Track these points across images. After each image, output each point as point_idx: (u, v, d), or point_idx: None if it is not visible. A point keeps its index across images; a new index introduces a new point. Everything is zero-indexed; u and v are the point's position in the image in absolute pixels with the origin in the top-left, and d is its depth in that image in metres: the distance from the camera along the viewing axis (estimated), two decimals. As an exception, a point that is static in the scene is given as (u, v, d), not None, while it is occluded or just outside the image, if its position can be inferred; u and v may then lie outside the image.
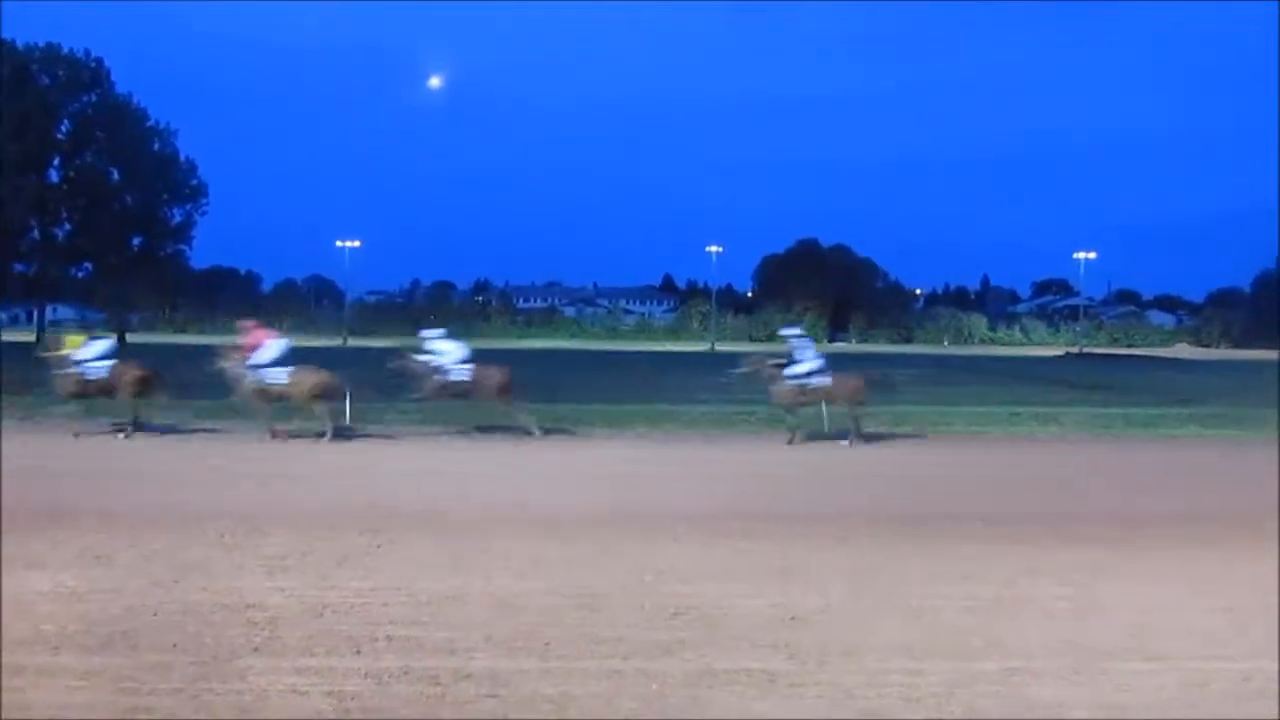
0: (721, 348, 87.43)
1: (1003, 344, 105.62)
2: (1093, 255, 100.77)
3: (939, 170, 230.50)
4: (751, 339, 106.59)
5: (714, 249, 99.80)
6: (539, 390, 21.34)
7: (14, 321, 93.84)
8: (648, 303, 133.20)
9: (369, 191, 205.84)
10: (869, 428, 17.22)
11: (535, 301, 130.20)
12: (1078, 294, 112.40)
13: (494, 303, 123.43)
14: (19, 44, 66.00)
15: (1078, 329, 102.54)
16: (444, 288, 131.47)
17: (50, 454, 13.79)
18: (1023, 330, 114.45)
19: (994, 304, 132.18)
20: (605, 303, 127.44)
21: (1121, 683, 5.41)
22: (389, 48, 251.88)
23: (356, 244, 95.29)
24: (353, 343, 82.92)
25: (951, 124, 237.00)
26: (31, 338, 58.34)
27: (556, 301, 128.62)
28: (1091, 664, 5.67)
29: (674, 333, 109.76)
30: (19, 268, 71.43)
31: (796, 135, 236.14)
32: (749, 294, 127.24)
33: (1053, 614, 6.67)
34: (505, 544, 8.49)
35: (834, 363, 18.17)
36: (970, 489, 12.29)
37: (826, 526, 9.49)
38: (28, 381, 19.31)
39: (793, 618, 6.46)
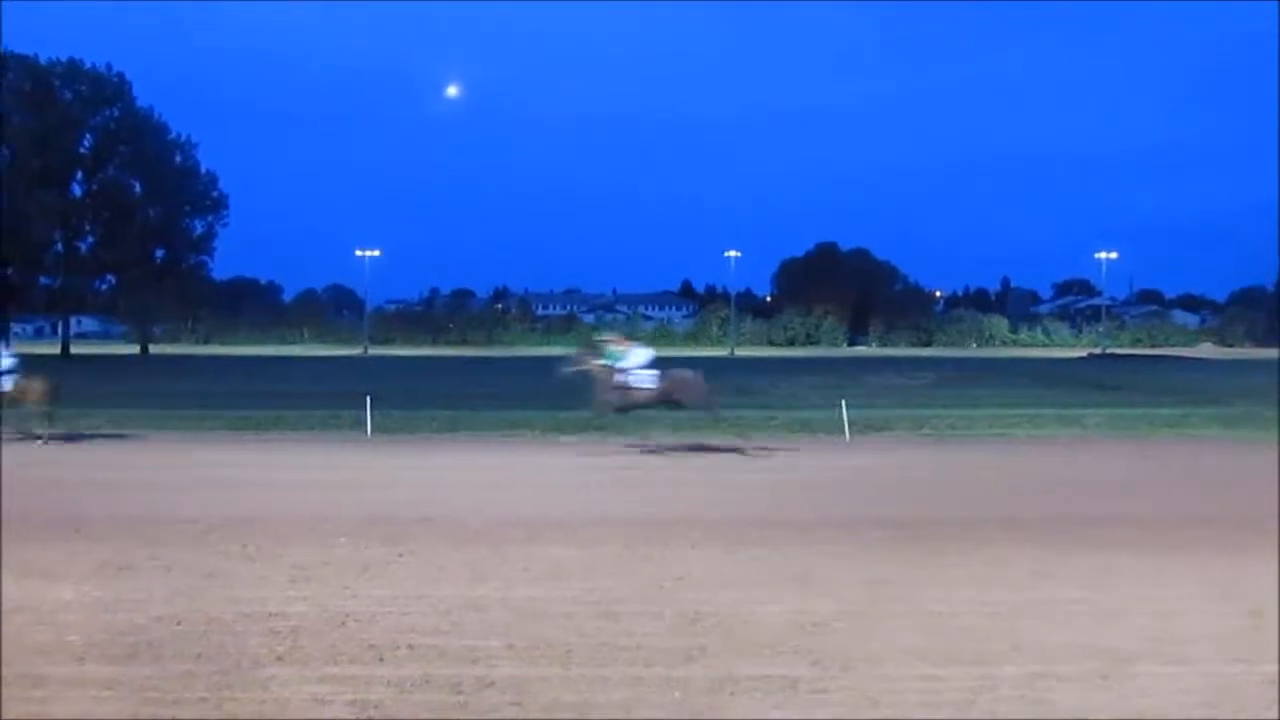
0: (741, 352, 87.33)
1: (1024, 346, 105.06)
2: (1114, 255, 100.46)
3: (958, 173, 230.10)
4: (771, 343, 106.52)
5: (732, 254, 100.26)
6: (560, 395, 21.36)
7: (39, 334, 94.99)
8: (666, 308, 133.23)
9: (388, 201, 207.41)
10: None
11: (554, 308, 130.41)
12: (1099, 294, 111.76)
13: (513, 310, 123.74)
14: (42, 59, 66.85)
15: (1100, 330, 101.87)
16: (463, 296, 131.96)
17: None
18: (1044, 332, 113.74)
19: (1015, 306, 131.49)
20: (624, 309, 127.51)
21: (1145, 687, 5.37)
22: (407, 59, 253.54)
23: (376, 253, 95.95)
24: (373, 351, 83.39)
25: (970, 126, 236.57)
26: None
27: (575, 308, 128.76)
28: (1115, 668, 5.64)
29: (693, 338, 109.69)
30: (43, 281, 72.32)
31: (815, 140, 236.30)
32: (768, 298, 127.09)
33: (1074, 618, 6.63)
34: (523, 551, 8.53)
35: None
36: (990, 492, 12.23)
37: (842, 532, 9.48)
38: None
39: (813, 624, 6.45)
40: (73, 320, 76.09)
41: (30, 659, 5.70)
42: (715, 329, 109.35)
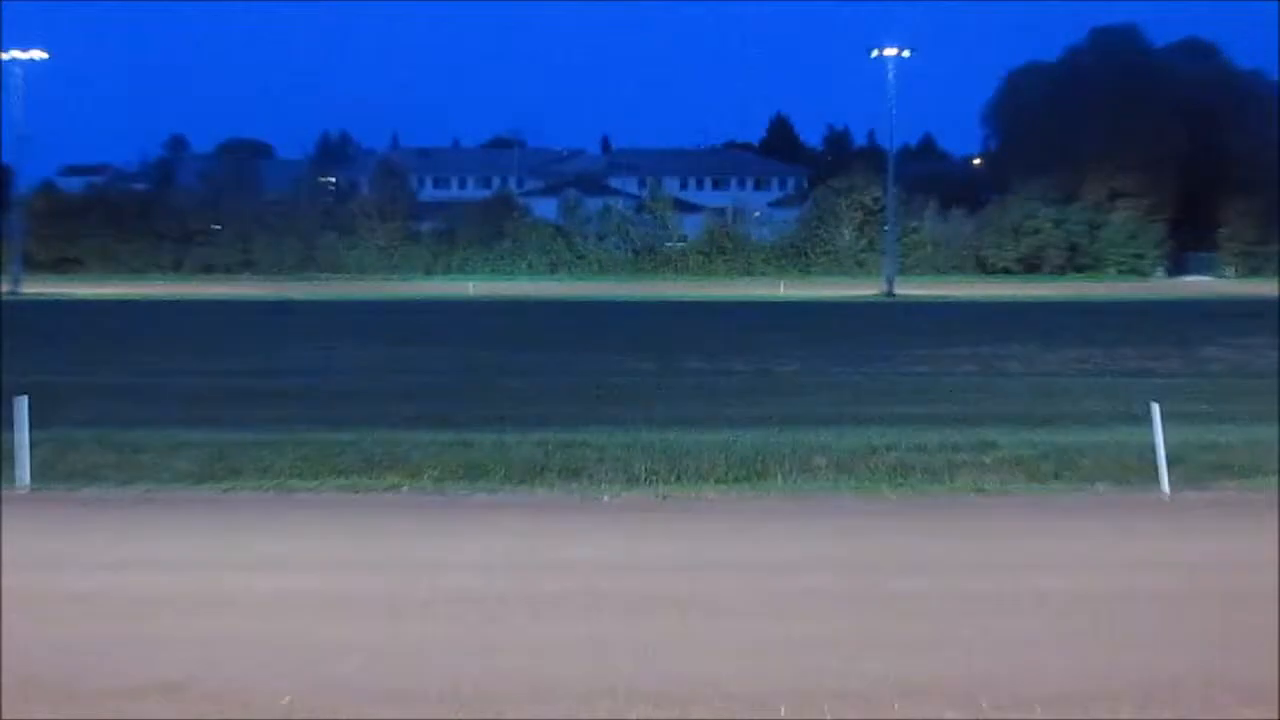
0: (907, 289, 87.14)
1: None
2: None
3: None
4: (983, 268, 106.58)
5: (890, 52, 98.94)
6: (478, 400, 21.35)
7: None
8: (736, 182, 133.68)
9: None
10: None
11: (467, 185, 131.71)
12: None
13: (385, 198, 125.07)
14: None
15: None
16: (254, 151, 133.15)
17: None
18: None
19: None
20: (639, 187, 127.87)
21: None
22: None
23: (36, 55, 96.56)
24: (31, 289, 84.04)
25: None
26: None
27: (517, 182, 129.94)
28: None
29: (799, 252, 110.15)
30: None
31: None
32: (976, 161, 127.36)
33: None
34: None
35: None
36: None
37: (1191, 706, 9.43)
38: None
39: None
40: None
41: None
42: (848, 234, 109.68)
